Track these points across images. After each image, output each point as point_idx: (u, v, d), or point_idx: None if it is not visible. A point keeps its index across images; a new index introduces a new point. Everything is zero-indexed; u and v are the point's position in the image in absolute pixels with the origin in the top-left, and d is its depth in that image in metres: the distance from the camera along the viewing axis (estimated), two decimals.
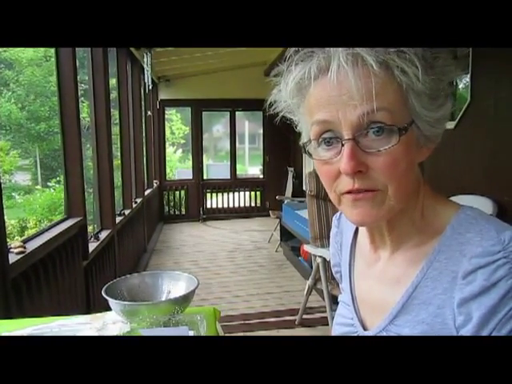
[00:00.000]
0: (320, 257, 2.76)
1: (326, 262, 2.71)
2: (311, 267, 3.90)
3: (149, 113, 6.32)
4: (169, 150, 9.54)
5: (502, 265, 0.52)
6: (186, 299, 1.08)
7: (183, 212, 8.00)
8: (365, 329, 0.69)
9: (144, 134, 6.01)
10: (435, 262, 0.59)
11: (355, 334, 0.71)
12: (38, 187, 7.83)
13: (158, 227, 7.22)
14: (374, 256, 0.70)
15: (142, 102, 5.85)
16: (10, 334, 0.87)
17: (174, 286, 1.16)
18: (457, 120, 3.08)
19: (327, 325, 2.85)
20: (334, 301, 2.65)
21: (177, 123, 11.22)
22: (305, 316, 3.26)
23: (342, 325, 0.76)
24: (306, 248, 3.08)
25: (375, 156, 0.56)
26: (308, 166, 5.85)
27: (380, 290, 0.67)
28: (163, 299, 1.13)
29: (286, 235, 5.33)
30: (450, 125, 3.05)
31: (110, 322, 0.89)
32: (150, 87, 5.26)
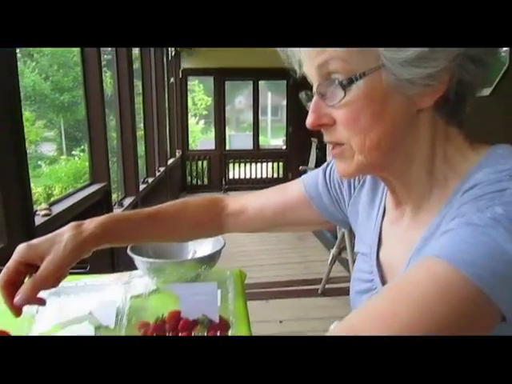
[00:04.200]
0: None
1: (351, 231, 2.66)
2: (334, 238, 3.85)
3: (172, 80, 6.26)
4: (191, 121, 9.48)
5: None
6: (212, 259, 1.05)
7: (205, 182, 8.00)
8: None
9: (167, 103, 5.97)
10: (447, 214, 0.52)
11: (374, 292, 0.66)
12: (63, 157, 7.93)
13: (181, 197, 7.23)
14: (397, 212, 0.65)
15: (165, 71, 5.79)
16: None
17: (200, 247, 1.14)
18: (493, 86, 2.93)
19: None
20: None
21: (199, 94, 11.14)
22: (328, 286, 3.24)
23: (360, 280, 0.71)
24: None
25: (337, 109, 0.54)
26: None
27: (400, 249, 0.62)
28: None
29: None
30: (486, 91, 2.90)
31: (137, 276, 0.87)
32: (173, 53, 5.19)
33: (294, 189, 0.84)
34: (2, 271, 0.66)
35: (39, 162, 6.98)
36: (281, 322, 2.77)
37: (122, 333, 0.77)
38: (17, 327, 0.78)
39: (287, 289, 3.39)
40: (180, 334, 0.76)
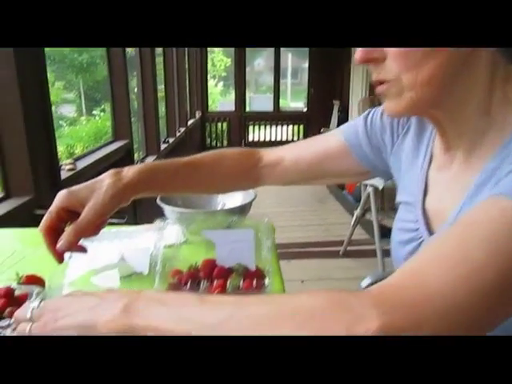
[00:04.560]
0: (371, 186, 2.65)
1: (377, 192, 2.61)
2: (355, 201, 3.81)
3: None
4: (210, 82, 9.34)
5: None
6: (242, 210, 1.03)
7: (225, 144, 7.94)
8: (431, 234, 0.61)
9: (187, 64, 5.88)
10: (507, 158, 0.49)
11: (419, 241, 0.63)
12: (83, 118, 7.95)
13: None
14: (446, 157, 0.61)
15: None
16: None
17: (230, 199, 1.12)
18: None
19: (373, 257, 2.80)
20: (383, 232, 2.57)
21: (218, 54, 10.92)
22: (349, 248, 3.23)
23: (402, 230, 0.67)
24: None
25: None
26: (355, 97, 5.58)
27: (449, 196, 0.58)
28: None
29: None
30: None
31: (171, 223, 0.85)
32: None
33: (332, 138, 0.80)
34: (45, 217, 0.65)
35: (60, 122, 7.02)
36: (302, 281, 2.79)
37: (156, 280, 0.77)
38: (50, 273, 0.78)
39: (308, 250, 3.39)
40: (215, 282, 0.75)
